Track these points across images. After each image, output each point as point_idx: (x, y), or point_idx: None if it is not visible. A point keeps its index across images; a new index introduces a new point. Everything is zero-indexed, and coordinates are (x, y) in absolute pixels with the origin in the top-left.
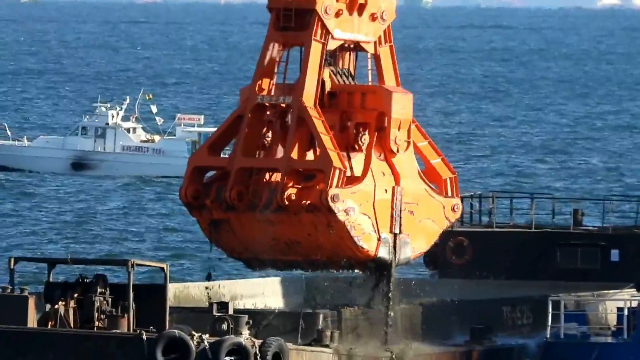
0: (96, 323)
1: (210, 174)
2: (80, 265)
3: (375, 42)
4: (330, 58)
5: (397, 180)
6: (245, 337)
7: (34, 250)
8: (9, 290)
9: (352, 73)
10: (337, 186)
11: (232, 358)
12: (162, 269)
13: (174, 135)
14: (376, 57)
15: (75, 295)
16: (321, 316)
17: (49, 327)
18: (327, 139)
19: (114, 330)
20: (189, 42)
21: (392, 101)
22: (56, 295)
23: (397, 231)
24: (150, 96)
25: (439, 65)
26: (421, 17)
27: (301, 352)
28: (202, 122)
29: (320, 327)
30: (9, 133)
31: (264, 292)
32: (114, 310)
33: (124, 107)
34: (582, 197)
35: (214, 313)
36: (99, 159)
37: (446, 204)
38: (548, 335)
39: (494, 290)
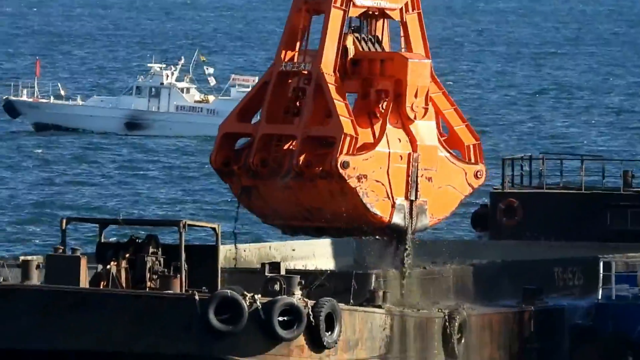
0: (148, 283)
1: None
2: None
3: (401, 9)
4: (355, 25)
5: (414, 147)
6: (297, 297)
7: (87, 210)
8: (61, 251)
9: (380, 40)
10: (347, 153)
11: (285, 318)
12: (214, 229)
13: (229, 96)
14: (403, 25)
15: (127, 255)
16: (373, 277)
17: (101, 287)
18: (340, 105)
19: (166, 291)
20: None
21: (408, 68)
22: (108, 256)
23: (413, 198)
24: (205, 57)
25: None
26: None
27: (353, 312)
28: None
29: (372, 288)
30: (62, 93)
31: (314, 253)
32: (165, 270)
33: (179, 67)
34: (631, 159)
35: (266, 274)
36: (152, 118)
37: (468, 171)
38: (599, 297)
39: (545, 251)
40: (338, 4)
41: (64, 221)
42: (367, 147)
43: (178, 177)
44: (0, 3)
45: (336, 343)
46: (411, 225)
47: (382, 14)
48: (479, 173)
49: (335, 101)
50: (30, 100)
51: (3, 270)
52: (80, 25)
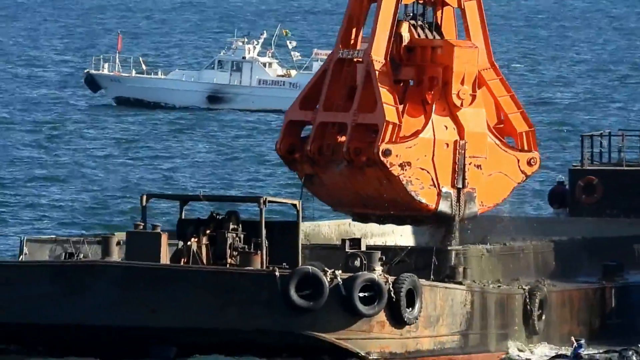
0: (228, 260)
1: None
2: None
3: None
4: (413, 12)
5: (461, 134)
6: (378, 273)
7: (168, 186)
8: (141, 227)
9: (440, 27)
10: (390, 141)
11: (365, 294)
12: (295, 205)
13: (311, 71)
14: (462, 12)
15: (208, 232)
16: (453, 253)
17: (182, 263)
18: (385, 93)
19: (246, 267)
20: None
21: (454, 55)
22: (188, 232)
23: (460, 185)
24: (287, 32)
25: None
26: None
27: (434, 288)
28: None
29: (452, 264)
30: (144, 67)
31: (393, 230)
32: (246, 247)
33: (261, 41)
34: None
35: (347, 250)
36: (235, 92)
37: (521, 158)
38: None
39: (624, 228)
40: None
41: (144, 197)
42: (417, 134)
43: (259, 153)
44: None
45: (417, 319)
46: (459, 213)
47: (441, 1)
48: (532, 160)
49: (380, 89)
50: (112, 74)
51: (83, 247)
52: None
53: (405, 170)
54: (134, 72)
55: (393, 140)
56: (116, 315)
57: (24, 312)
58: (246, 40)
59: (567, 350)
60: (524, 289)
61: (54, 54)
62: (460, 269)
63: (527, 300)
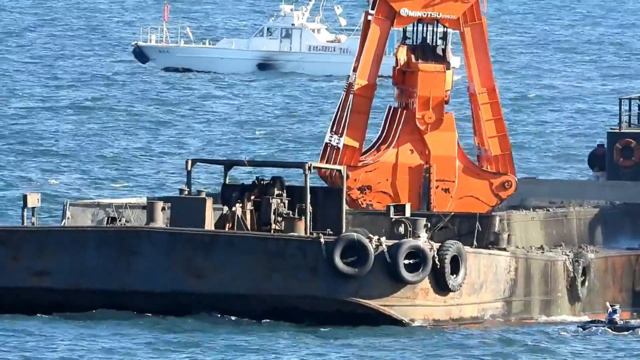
0: (273, 226)
1: None
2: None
3: (459, 20)
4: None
5: (428, 158)
6: (423, 240)
7: (211, 151)
8: (186, 193)
9: (442, 49)
10: (348, 163)
11: (410, 261)
12: (340, 171)
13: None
14: (461, 36)
15: (252, 197)
16: (497, 219)
17: (227, 229)
18: (354, 116)
19: (292, 233)
20: None
21: (418, 79)
22: (233, 198)
23: (424, 210)
24: None
25: None
26: None
27: (478, 255)
28: None
29: (496, 230)
30: (191, 36)
31: None
32: (290, 212)
33: (309, 7)
34: None
35: (391, 216)
36: (285, 59)
37: (495, 181)
38: None
39: None
40: (380, 16)
41: (189, 162)
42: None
43: (310, 117)
44: None
45: (461, 286)
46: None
47: (439, 24)
48: (506, 183)
49: (351, 112)
50: (160, 44)
51: (125, 212)
52: None
53: (365, 193)
54: (182, 42)
55: (352, 163)
56: (161, 281)
57: (70, 278)
58: (294, 7)
59: (603, 316)
60: (567, 255)
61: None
62: (505, 235)
63: (571, 266)
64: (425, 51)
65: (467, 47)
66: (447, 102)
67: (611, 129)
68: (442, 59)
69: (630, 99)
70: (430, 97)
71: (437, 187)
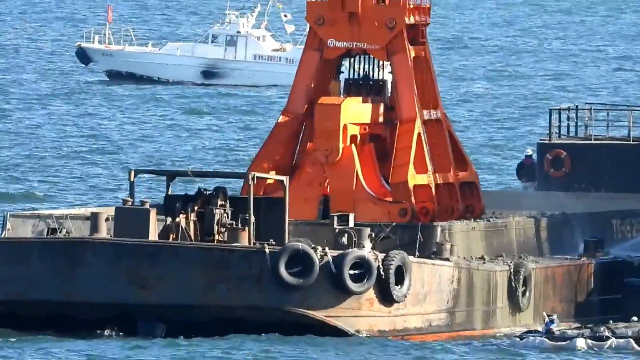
0: (216, 236)
1: None
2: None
3: (385, 50)
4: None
5: (326, 190)
6: (368, 250)
7: (156, 160)
8: (130, 203)
9: (377, 80)
10: (247, 194)
11: (355, 271)
12: (282, 181)
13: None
14: (391, 65)
15: (196, 208)
16: (439, 229)
17: (171, 240)
18: (264, 146)
19: (236, 244)
20: None
21: (315, 112)
22: (176, 208)
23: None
24: (281, 4)
25: None
26: None
27: (422, 265)
28: None
29: (438, 240)
30: (134, 39)
31: None
32: (233, 223)
33: (255, 14)
34: None
35: (335, 226)
36: (230, 67)
37: (392, 209)
38: None
39: (595, 203)
40: (310, 47)
41: (132, 173)
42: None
43: (253, 128)
44: None
45: (405, 297)
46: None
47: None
48: (402, 211)
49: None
50: (103, 47)
51: (66, 223)
52: None
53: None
54: (126, 45)
55: (261, 193)
56: (106, 292)
57: (14, 289)
58: (240, 13)
59: (540, 326)
60: (509, 266)
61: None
62: (447, 246)
63: (512, 277)
64: (362, 85)
65: (396, 76)
66: (372, 135)
67: (541, 139)
68: (379, 92)
69: (559, 110)
70: (329, 130)
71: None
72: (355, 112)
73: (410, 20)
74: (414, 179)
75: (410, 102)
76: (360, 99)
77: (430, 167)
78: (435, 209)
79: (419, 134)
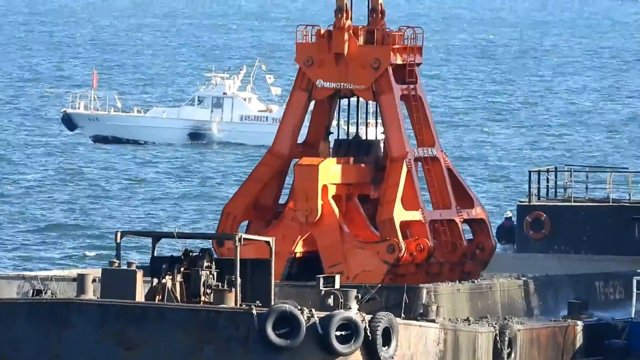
0: (202, 298)
1: None
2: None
3: (372, 91)
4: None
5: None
6: (354, 311)
7: (143, 222)
8: (116, 265)
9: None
10: (223, 231)
11: (342, 333)
12: (268, 243)
13: None
14: (377, 105)
15: (182, 269)
16: (424, 290)
17: (157, 301)
18: (244, 184)
19: (222, 305)
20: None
21: (295, 172)
22: (162, 269)
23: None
24: (265, 66)
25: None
26: None
27: (409, 327)
28: None
29: (425, 302)
30: (119, 104)
31: None
32: (219, 284)
33: (241, 77)
34: None
35: (321, 288)
36: (216, 128)
37: (380, 249)
38: (633, 315)
39: (576, 265)
40: (299, 87)
41: (119, 234)
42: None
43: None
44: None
45: (392, 358)
46: None
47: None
48: (389, 247)
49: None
50: (89, 112)
51: (51, 284)
52: (134, 34)
53: None
54: (112, 110)
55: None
56: (93, 353)
57: (0, 350)
58: (226, 75)
59: None
60: (494, 327)
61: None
62: (434, 307)
63: (498, 338)
64: (351, 145)
65: (383, 116)
66: (361, 195)
67: (520, 202)
68: (371, 152)
69: (539, 172)
70: (308, 190)
71: (332, 273)
72: (336, 173)
73: (397, 60)
74: (402, 215)
75: (398, 140)
76: (345, 159)
77: (422, 204)
78: (431, 246)
79: (408, 171)
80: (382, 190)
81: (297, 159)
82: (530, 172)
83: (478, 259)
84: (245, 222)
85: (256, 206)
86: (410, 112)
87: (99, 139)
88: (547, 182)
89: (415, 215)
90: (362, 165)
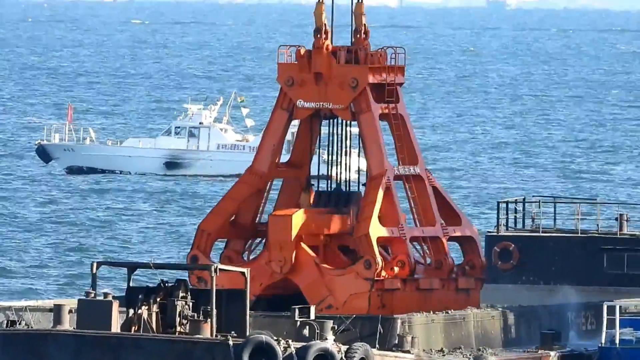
0: (178, 328)
1: None
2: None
3: (351, 110)
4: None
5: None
6: (330, 342)
7: (121, 251)
8: (92, 295)
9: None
10: (198, 248)
11: None
12: (243, 273)
13: None
14: (358, 124)
15: (158, 299)
16: (399, 321)
17: (133, 331)
18: (220, 202)
19: (198, 336)
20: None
21: (268, 222)
22: (138, 300)
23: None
24: (243, 98)
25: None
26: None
27: (385, 358)
28: (296, 123)
29: (400, 333)
30: (93, 136)
31: None
32: (195, 315)
33: (217, 107)
34: (627, 202)
35: (297, 318)
36: (193, 157)
37: (358, 268)
38: (603, 341)
39: (545, 295)
40: (280, 107)
41: (95, 265)
42: None
43: None
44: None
45: None
46: None
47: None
48: (366, 263)
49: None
50: (64, 143)
51: (26, 315)
52: (109, 65)
53: None
54: (87, 140)
55: (203, 249)
56: None
57: None
58: (202, 106)
59: None
60: (468, 358)
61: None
62: (409, 338)
63: None
64: (331, 197)
65: (363, 135)
66: (341, 246)
67: (489, 232)
68: (351, 203)
69: (507, 202)
70: (281, 241)
71: (321, 310)
72: (311, 223)
73: (376, 79)
74: (379, 231)
75: (377, 158)
76: (320, 210)
77: (401, 221)
78: (412, 262)
79: (387, 189)
80: (360, 208)
81: (277, 178)
82: (498, 202)
83: (471, 276)
84: (223, 239)
85: (235, 225)
86: (392, 131)
87: (74, 170)
88: (516, 212)
89: (393, 232)
90: (340, 215)
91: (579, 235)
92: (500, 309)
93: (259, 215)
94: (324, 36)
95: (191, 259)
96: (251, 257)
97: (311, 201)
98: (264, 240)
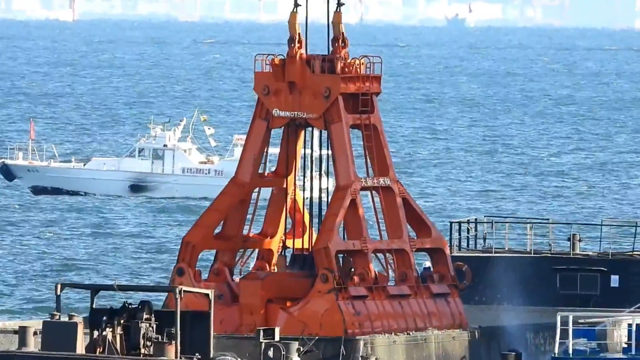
0: (142, 350)
1: None
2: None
3: (323, 119)
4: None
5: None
6: None
7: (84, 273)
8: (57, 317)
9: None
10: (183, 261)
11: None
12: (207, 295)
13: (232, 157)
14: (328, 134)
15: (122, 321)
16: (361, 342)
17: (97, 353)
18: (204, 214)
19: (162, 358)
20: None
21: (239, 287)
22: (102, 322)
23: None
24: (206, 117)
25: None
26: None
27: None
28: None
29: (362, 354)
30: (56, 154)
31: None
32: (159, 336)
33: (181, 128)
34: (579, 222)
35: (261, 340)
36: (158, 180)
37: (318, 287)
38: (556, 352)
39: (497, 316)
40: (257, 117)
41: (59, 287)
42: None
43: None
44: None
45: None
46: None
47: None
48: (322, 278)
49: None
50: (28, 163)
51: None
52: (69, 85)
53: None
54: (51, 161)
55: (188, 263)
56: None
57: None
58: (165, 126)
59: None
60: None
61: None
62: (372, 359)
63: None
64: (306, 259)
65: (333, 144)
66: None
67: None
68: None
69: (459, 222)
70: (252, 305)
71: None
72: (282, 287)
73: (349, 89)
74: (339, 244)
75: (345, 169)
76: (292, 273)
77: (365, 233)
78: (371, 276)
79: (352, 200)
80: (324, 218)
81: (261, 187)
82: (451, 223)
83: (444, 284)
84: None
85: (222, 236)
86: (363, 141)
87: (39, 190)
88: (468, 232)
89: (355, 245)
90: (312, 279)
91: (532, 255)
92: (460, 330)
93: (245, 225)
94: (297, 45)
95: (177, 271)
96: (243, 271)
97: (287, 263)
98: (254, 252)
